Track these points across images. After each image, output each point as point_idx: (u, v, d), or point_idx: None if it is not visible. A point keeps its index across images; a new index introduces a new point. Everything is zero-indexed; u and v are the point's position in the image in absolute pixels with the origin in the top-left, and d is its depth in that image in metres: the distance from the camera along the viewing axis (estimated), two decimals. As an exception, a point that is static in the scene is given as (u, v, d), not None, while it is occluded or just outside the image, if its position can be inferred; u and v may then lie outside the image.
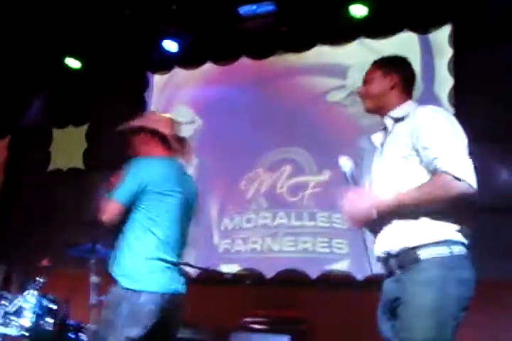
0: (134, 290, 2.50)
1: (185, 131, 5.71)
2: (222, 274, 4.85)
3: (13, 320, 3.94)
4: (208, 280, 4.99)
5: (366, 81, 2.34)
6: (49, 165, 6.31)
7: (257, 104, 5.31)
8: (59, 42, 5.58)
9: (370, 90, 2.32)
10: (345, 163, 2.24)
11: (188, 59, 5.69)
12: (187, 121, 5.73)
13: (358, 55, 4.90)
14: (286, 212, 5.01)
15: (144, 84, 5.97)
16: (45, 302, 4.07)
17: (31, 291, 4.02)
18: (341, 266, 4.68)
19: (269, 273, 4.96)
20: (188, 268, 4.92)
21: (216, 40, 5.35)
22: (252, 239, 5.11)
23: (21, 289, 4.08)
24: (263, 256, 5.04)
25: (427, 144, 2.04)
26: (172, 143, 2.80)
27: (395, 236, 2.08)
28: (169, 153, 2.80)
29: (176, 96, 5.87)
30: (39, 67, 5.98)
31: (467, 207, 2.03)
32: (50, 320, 4.09)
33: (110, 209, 2.58)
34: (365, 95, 2.34)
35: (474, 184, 1.94)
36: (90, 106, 6.01)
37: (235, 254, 5.18)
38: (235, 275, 4.90)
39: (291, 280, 4.84)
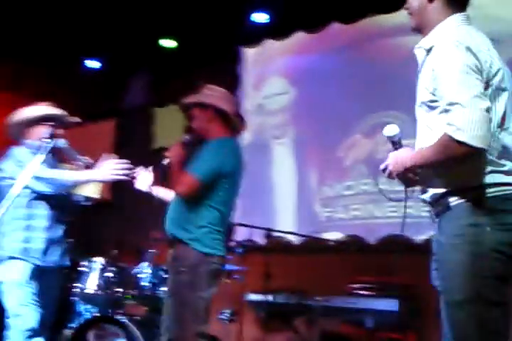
0: (208, 254, 2.80)
1: (280, 102, 5.78)
2: (325, 241, 4.88)
3: (131, 289, 4.19)
4: (311, 248, 5.06)
5: None
6: (153, 143, 6.57)
7: (350, 68, 5.21)
8: (154, 23, 5.74)
9: (409, 5, 2.05)
10: (390, 130, 2.10)
11: (277, 30, 5.67)
12: (281, 92, 5.76)
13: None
14: (387, 178, 4.91)
15: (236, 59, 6.04)
16: (159, 272, 4.29)
17: (146, 262, 4.26)
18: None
19: (372, 239, 4.93)
20: (291, 236, 5.05)
21: (305, 8, 5.28)
22: (353, 206, 5.09)
23: (136, 260, 4.33)
24: (365, 222, 5.01)
25: (440, 90, 1.83)
26: (234, 122, 3.01)
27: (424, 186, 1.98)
28: (231, 132, 3.03)
29: (268, 68, 5.90)
30: (137, 49, 6.20)
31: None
32: (165, 289, 4.31)
33: (189, 183, 2.79)
34: (408, 11, 2.07)
35: (478, 143, 1.72)
36: (187, 83, 6.16)
37: (337, 222, 5.19)
38: (337, 242, 4.92)
39: (394, 246, 4.78)
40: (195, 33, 5.83)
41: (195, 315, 2.75)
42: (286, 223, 5.39)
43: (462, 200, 1.84)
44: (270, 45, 5.85)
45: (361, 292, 4.26)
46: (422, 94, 1.95)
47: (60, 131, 3.23)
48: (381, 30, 5.14)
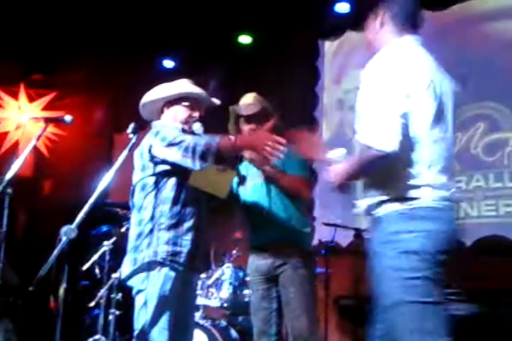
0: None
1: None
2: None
3: (212, 292, 4.05)
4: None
5: None
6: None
7: (439, 58, 4.87)
8: (229, 19, 5.62)
9: (366, 36, 2.28)
10: (336, 154, 2.16)
11: (360, 20, 5.40)
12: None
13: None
14: (483, 174, 4.57)
15: (315, 52, 5.83)
16: (240, 274, 4.13)
17: (227, 264, 4.11)
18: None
19: (468, 240, 4.57)
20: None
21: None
22: (445, 204, 4.76)
23: (218, 262, 4.18)
24: (459, 222, 4.66)
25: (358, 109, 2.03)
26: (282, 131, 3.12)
27: (361, 196, 2.10)
28: None
29: (348, 61, 5.65)
30: (212, 46, 6.08)
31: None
32: (246, 291, 4.15)
33: (308, 187, 3.06)
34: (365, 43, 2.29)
35: (384, 147, 1.89)
36: (264, 80, 5.99)
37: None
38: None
39: (493, 248, 4.43)
40: (273, 27, 5.66)
41: (315, 304, 2.97)
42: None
43: (390, 210, 1.98)
44: (351, 36, 5.59)
45: (461, 298, 3.93)
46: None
47: (197, 114, 2.77)
48: (471, 17, 4.86)
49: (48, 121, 2.82)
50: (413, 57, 2.06)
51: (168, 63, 6.66)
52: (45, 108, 7.06)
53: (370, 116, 1.95)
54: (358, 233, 4.06)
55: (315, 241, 5.20)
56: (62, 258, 2.44)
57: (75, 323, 4.36)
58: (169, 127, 2.63)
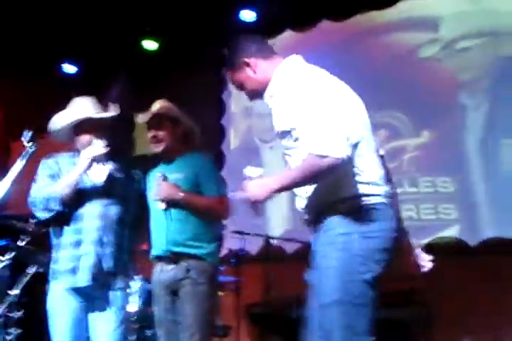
0: (219, 266, 3.11)
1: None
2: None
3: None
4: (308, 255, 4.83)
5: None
6: (134, 150, 6.29)
7: (342, 67, 4.94)
8: (134, 24, 5.51)
9: (238, 84, 2.27)
10: (253, 171, 2.11)
11: (264, 29, 5.45)
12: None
13: (451, 4, 4.54)
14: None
15: (222, 60, 5.81)
16: (148, 287, 4.02)
17: (134, 277, 3.97)
18: (451, 232, 4.38)
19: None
20: (285, 244, 4.79)
21: (293, 5, 5.09)
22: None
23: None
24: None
25: (289, 126, 2.01)
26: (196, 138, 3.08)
27: (304, 203, 2.09)
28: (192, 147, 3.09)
29: (255, 69, 5.68)
30: (115, 51, 5.94)
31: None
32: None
33: (228, 205, 2.91)
34: (242, 89, 2.29)
35: (339, 153, 1.87)
36: (169, 86, 5.92)
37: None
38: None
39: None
40: (178, 34, 5.60)
41: (212, 321, 2.92)
42: (279, 230, 5.15)
43: (333, 213, 2.00)
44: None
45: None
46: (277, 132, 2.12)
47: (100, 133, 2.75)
48: (372, 28, 5.01)
49: None
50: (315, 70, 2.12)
51: (70, 68, 6.45)
52: None
53: (315, 126, 1.93)
54: (268, 240, 4.06)
55: (224, 251, 5.22)
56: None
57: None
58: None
